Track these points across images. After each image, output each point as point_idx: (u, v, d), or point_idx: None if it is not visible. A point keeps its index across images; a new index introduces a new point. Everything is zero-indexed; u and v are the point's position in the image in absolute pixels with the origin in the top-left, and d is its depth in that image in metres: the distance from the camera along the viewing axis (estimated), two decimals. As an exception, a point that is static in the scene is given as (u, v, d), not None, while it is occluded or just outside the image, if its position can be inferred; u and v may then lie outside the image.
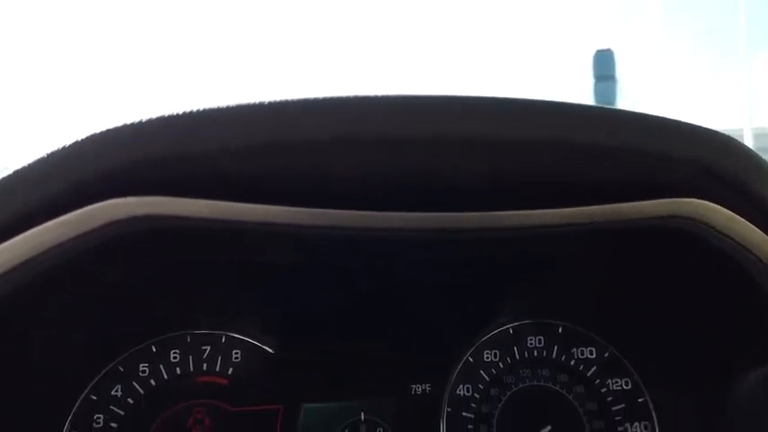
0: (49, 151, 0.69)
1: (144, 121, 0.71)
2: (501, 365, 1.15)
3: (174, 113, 0.72)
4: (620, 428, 1.13)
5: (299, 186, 0.76)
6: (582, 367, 1.17)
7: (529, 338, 1.18)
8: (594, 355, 1.17)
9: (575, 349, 1.18)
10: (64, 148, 0.69)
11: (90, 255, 0.74)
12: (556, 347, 1.17)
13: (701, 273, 0.93)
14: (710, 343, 1.04)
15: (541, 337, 1.18)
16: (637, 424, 1.14)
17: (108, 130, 0.70)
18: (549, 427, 1.12)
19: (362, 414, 1.10)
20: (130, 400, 1.03)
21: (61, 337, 0.97)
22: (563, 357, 1.17)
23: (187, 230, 0.75)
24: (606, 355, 1.17)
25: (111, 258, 0.79)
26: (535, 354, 1.17)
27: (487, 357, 1.15)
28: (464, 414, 1.11)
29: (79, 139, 0.70)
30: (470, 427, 1.11)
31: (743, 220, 0.80)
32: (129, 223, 0.72)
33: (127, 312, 1.04)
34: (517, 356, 1.16)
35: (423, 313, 1.11)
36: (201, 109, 0.73)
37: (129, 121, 0.71)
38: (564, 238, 0.87)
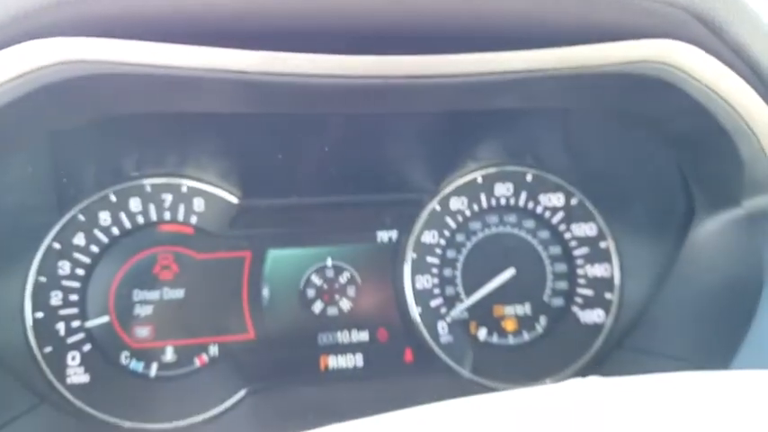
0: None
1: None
2: (468, 213, 1.15)
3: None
4: (579, 271, 1.17)
5: (248, 26, 0.69)
6: (548, 214, 1.17)
7: (497, 185, 1.17)
8: (562, 202, 1.18)
9: (542, 196, 1.17)
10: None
11: (32, 101, 0.69)
12: (524, 194, 1.17)
13: (670, 118, 0.90)
14: (675, 188, 1.04)
15: (510, 185, 1.17)
16: (597, 266, 1.17)
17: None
18: (512, 271, 1.15)
19: (329, 260, 1.12)
20: (95, 248, 1.03)
21: (16, 184, 0.94)
22: (530, 204, 1.17)
23: (128, 77, 0.69)
24: (573, 201, 1.17)
25: (58, 106, 0.74)
26: (502, 201, 1.17)
27: (454, 205, 1.15)
28: (429, 259, 1.13)
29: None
30: (435, 271, 1.13)
31: (719, 63, 0.76)
32: (62, 69, 0.66)
33: (81, 160, 1.01)
34: (484, 204, 1.16)
35: (390, 162, 1.09)
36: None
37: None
38: (535, 82, 0.82)
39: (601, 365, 1.11)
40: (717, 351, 0.90)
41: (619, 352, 1.10)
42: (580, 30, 0.75)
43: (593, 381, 0.44)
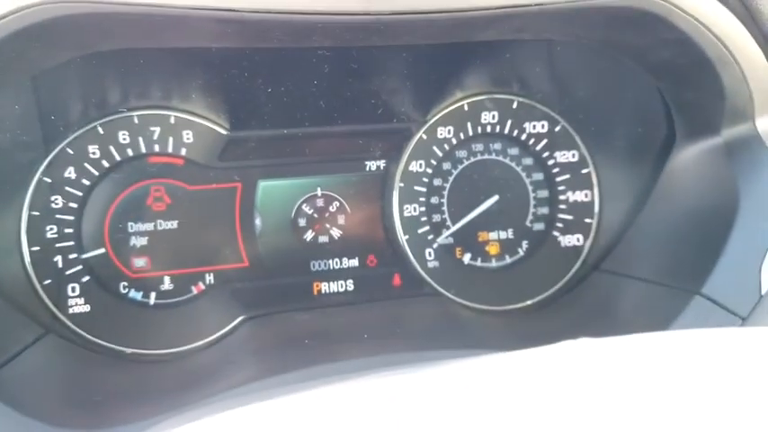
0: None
1: None
2: (454, 141, 1.17)
3: None
4: (561, 197, 1.21)
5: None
6: (532, 141, 1.20)
7: (483, 114, 1.18)
8: (546, 129, 1.20)
9: (527, 123, 1.19)
10: None
11: (17, 41, 0.68)
12: (509, 122, 1.19)
13: (655, 49, 0.91)
14: (656, 117, 1.06)
15: (496, 113, 1.18)
16: (578, 192, 1.21)
17: None
18: (496, 197, 1.19)
19: (319, 189, 1.14)
20: (86, 182, 1.04)
21: (4, 122, 0.93)
22: (515, 132, 1.19)
23: (113, 15, 0.68)
24: (557, 129, 1.20)
25: (43, 45, 0.73)
26: (488, 129, 1.18)
27: (441, 134, 1.16)
28: (416, 188, 1.16)
29: None
30: (422, 199, 1.16)
31: None
32: (45, 8, 0.65)
33: (67, 94, 0.99)
34: (470, 132, 1.18)
35: (378, 93, 1.09)
36: None
37: None
38: (522, 17, 0.82)
39: (578, 287, 1.17)
40: (690, 274, 0.96)
41: (596, 274, 1.16)
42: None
43: (583, 342, 0.47)
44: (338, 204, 1.14)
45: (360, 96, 1.07)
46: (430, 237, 1.17)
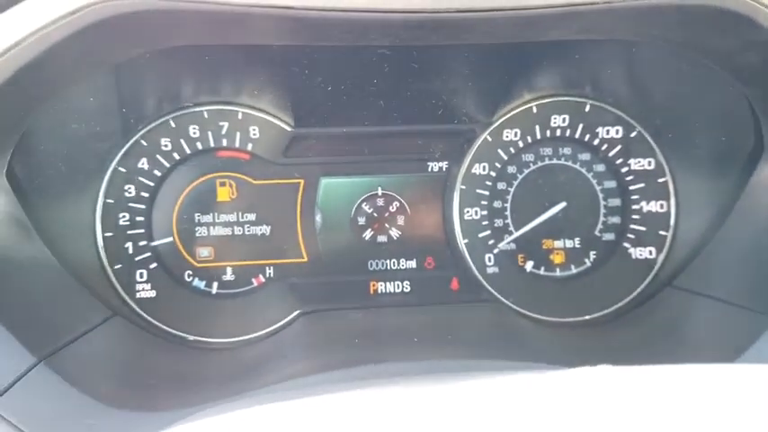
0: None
1: None
2: (521, 144, 1.14)
3: None
4: (635, 207, 1.14)
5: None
6: (605, 146, 1.14)
7: (553, 117, 1.13)
8: (620, 135, 1.14)
9: (600, 128, 1.14)
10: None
11: (88, 35, 0.72)
12: (581, 126, 1.14)
13: (741, 51, 0.84)
14: (742, 126, 0.98)
15: (566, 116, 1.13)
16: (653, 202, 1.14)
17: None
18: (563, 204, 1.14)
19: (380, 189, 1.14)
20: (158, 173, 1.08)
21: (82, 113, 0.99)
22: (587, 136, 1.14)
23: (177, 12, 0.70)
24: (632, 134, 1.13)
25: (112, 39, 0.76)
26: (558, 132, 1.14)
27: (507, 136, 1.13)
28: (478, 191, 1.13)
29: None
30: (484, 203, 1.13)
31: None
32: (113, 5, 0.68)
33: (142, 89, 1.04)
34: (538, 135, 1.14)
35: (442, 93, 1.07)
36: None
37: None
38: (595, 15, 0.78)
39: (648, 303, 1.10)
40: (768, 297, 0.88)
41: (668, 291, 1.09)
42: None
43: (603, 369, 0.44)
44: (398, 204, 1.14)
45: (421, 96, 1.05)
46: (491, 242, 1.14)
